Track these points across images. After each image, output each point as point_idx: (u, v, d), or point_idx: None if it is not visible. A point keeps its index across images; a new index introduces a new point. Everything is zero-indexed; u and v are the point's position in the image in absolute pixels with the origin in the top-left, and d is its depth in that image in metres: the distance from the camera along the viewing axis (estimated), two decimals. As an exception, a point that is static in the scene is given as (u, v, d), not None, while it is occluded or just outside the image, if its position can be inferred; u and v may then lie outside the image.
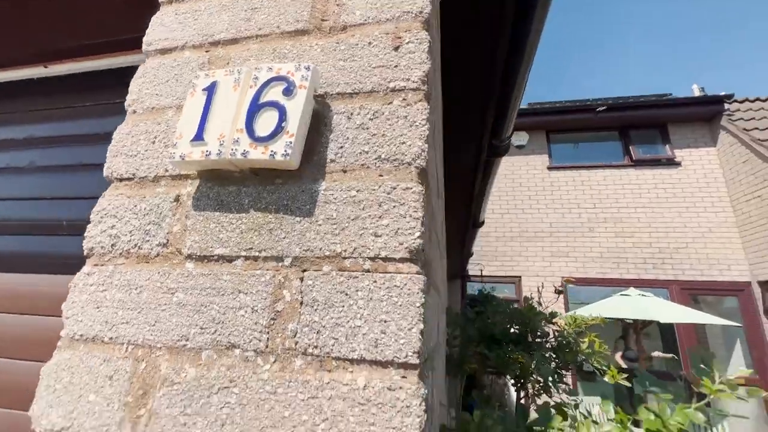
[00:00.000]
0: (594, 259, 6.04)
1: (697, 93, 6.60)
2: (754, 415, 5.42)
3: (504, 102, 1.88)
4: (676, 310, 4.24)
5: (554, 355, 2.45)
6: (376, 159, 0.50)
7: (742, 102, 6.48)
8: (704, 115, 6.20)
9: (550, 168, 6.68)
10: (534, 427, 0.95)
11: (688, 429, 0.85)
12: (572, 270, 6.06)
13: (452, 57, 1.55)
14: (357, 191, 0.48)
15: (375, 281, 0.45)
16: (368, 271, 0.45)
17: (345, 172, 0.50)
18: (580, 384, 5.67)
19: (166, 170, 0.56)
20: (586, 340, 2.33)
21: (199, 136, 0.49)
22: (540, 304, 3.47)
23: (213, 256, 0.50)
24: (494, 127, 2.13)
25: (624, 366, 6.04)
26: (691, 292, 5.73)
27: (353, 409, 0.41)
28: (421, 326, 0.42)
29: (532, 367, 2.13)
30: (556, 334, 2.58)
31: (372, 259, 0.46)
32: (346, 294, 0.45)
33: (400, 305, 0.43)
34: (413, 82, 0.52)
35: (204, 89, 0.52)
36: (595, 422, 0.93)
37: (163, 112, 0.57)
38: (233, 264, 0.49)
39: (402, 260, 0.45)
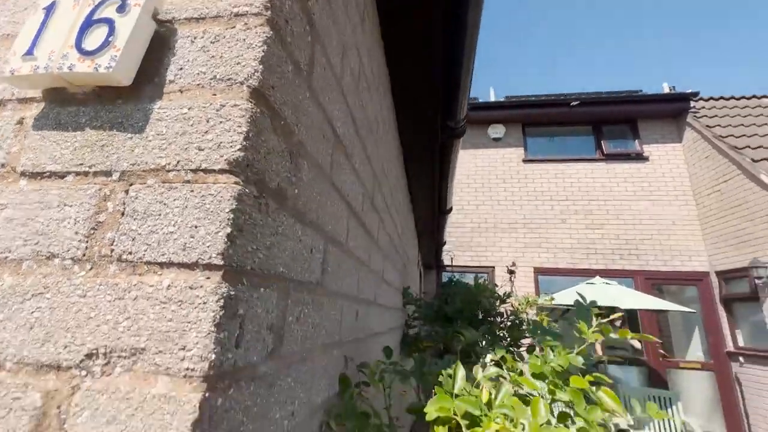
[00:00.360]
0: (565, 249, 6.19)
1: (666, 90, 6.80)
2: (704, 393, 5.68)
3: (452, 81, 1.91)
4: (638, 297, 4.39)
5: (506, 334, 2.52)
6: (211, 79, 0.50)
7: (707, 100, 6.70)
8: (671, 111, 6.40)
9: (525, 161, 6.79)
10: (424, 369, 0.98)
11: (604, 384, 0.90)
12: (543, 260, 6.20)
13: (392, 34, 1.57)
14: (188, 108, 0.49)
15: (192, 191, 0.46)
16: (188, 182, 0.46)
17: (182, 92, 0.50)
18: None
19: (13, 94, 0.56)
20: (539, 318, 2.41)
21: (30, 52, 0.50)
22: (511, 295, 3.63)
23: (45, 172, 0.50)
24: (446, 107, 2.16)
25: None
26: (654, 282, 5.94)
27: (155, 307, 0.42)
28: (228, 230, 0.44)
29: (481, 344, 2.19)
30: (509, 313, 2.65)
31: (194, 171, 0.47)
32: (164, 204, 0.46)
33: (211, 211, 0.44)
34: (256, 7, 0.53)
35: (44, 8, 0.52)
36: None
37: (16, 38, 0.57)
38: (64, 180, 0.49)
39: (221, 171, 0.46)
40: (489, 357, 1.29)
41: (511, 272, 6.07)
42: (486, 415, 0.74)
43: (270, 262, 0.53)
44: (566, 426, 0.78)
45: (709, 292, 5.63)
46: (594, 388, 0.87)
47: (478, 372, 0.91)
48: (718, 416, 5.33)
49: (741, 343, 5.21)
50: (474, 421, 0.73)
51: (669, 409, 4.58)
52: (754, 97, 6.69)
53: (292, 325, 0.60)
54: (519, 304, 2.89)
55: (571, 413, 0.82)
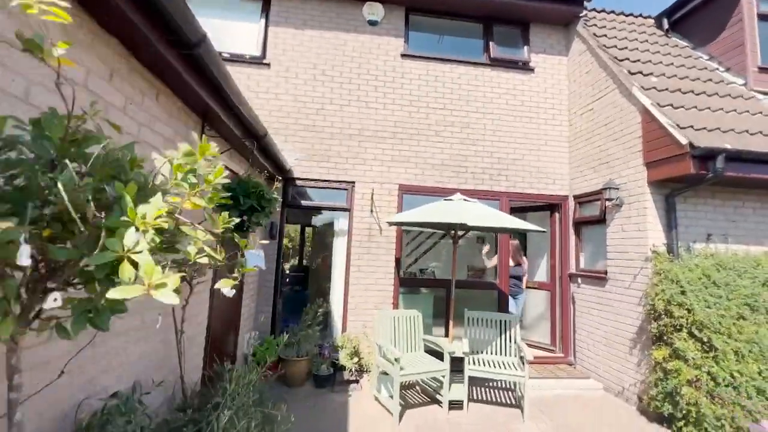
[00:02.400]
0: (435, 166, 5.38)
1: (563, -4, 6.00)
2: (543, 312, 5.88)
3: None
4: (491, 216, 3.76)
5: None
6: None
7: (599, 12, 6.11)
8: (564, 14, 5.65)
9: (404, 56, 5.50)
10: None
11: None
12: (410, 177, 5.31)
13: None
14: None
15: None
16: None
17: None
18: (402, 297, 5.28)
19: None
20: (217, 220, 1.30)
21: None
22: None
23: None
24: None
25: (490, 265, 5.93)
26: (517, 205, 5.61)
27: None
28: None
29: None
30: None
31: None
32: None
33: None
34: None
35: None
36: None
37: None
38: None
39: None
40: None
41: (372, 194, 5.10)
42: None
43: None
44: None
45: (566, 216, 5.51)
46: None
47: None
48: (547, 331, 5.53)
49: (582, 265, 5.26)
50: None
51: (507, 332, 4.35)
52: (648, 16, 6.36)
53: None
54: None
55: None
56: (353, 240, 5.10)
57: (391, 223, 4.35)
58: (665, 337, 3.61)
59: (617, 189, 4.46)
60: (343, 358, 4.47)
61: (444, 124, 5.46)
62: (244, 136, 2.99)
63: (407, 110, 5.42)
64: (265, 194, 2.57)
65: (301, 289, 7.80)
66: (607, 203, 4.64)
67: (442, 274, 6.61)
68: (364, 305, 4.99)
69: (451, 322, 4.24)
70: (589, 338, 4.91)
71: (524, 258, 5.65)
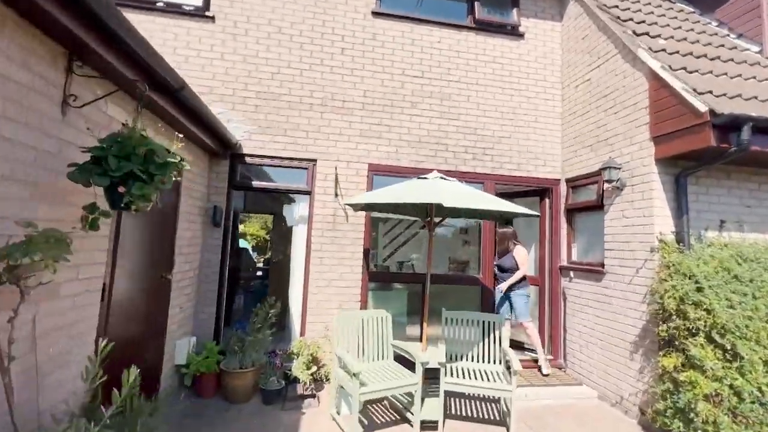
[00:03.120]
0: (411, 143, 4.66)
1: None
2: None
3: None
4: (473, 196, 3.09)
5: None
6: None
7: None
8: (559, -28, 4.97)
9: (375, 14, 4.72)
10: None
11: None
12: (383, 156, 4.59)
13: None
14: None
15: None
16: None
17: None
18: (372, 295, 4.59)
19: None
20: None
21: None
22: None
23: None
24: None
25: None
26: (505, 188, 4.97)
27: None
28: None
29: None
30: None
31: None
32: None
33: None
34: None
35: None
36: None
37: None
38: None
39: None
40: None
41: (336, 177, 4.35)
42: None
43: None
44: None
45: (557, 202, 4.91)
46: None
47: None
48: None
49: (574, 257, 4.68)
50: None
51: (492, 335, 3.72)
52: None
53: None
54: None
55: None
56: (314, 228, 4.35)
57: (352, 206, 3.62)
58: (677, 342, 3.04)
59: (619, 169, 3.85)
60: (297, 368, 3.75)
61: (421, 95, 4.73)
62: (136, 74, 2.17)
63: (379, 78, 4.66)
64: (157, 157, 1.80)
65: (267, 286, 7.03)
66: (606, 186, 4.04)
67: (424, 268, 5.94)
68: (326, 304, 4.27)
69: (425, 325, 3.57)
70: (582, 339, 4.34)
71: (518, 246, 4.50)
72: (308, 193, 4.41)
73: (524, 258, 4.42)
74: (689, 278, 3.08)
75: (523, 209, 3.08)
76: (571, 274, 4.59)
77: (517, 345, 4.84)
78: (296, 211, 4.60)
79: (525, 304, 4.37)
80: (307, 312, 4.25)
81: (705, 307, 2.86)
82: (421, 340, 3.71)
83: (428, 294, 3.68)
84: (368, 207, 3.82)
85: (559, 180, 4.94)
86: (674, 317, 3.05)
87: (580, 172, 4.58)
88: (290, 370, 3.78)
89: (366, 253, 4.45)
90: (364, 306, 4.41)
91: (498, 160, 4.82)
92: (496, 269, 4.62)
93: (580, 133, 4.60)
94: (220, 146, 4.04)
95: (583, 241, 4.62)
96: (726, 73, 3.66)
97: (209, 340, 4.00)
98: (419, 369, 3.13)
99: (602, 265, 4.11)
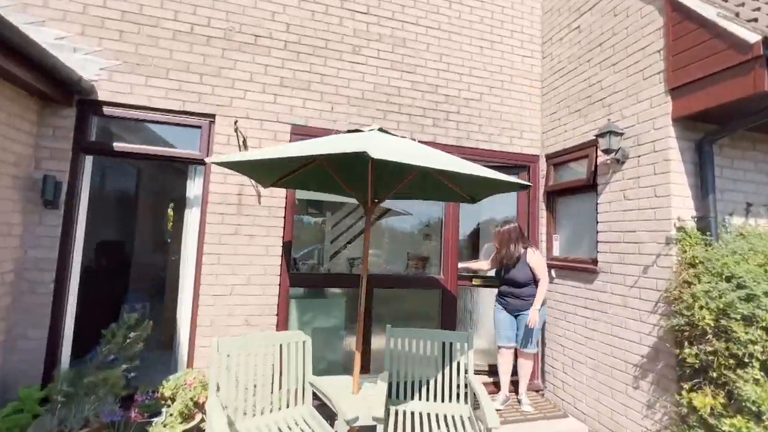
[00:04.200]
0: (352, 100, 3.48)
1: None
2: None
3: None
4: (420, 152, 1.98)
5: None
6: None
7: None
8: None
9: (306, -77, 3.47)
10: None
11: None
12: (312, 115, 3.36)
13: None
14: None
15: None
16: None
17: None
18: (295, 304, 3.38)
19: None
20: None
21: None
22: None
23: None
24: None
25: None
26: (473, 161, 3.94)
27: None
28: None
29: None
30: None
31: None
32: None
33: None
34: None
35: None
36: None
37: None
38: None
39: None
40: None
41: (236, 130, 3.06)
42: None
43: None
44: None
45: (535, 183, 3.95)
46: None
47: None
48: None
49: (556, 252, 3.75)
50: None
51: (455, 359, 2.66)
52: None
53: None
54: None
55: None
56: (209, 212, 3.06)
57: (226, 165, 2.33)
58: (714, 373, 2.12)
59: (621, 135, 2.92)
60: (165, 423, 2.46)
61: (367, 37, 3.56)
62: None
63: (308, 8, 3.42)
64: None
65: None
66: (602, 159, 3.12)
67: (379, 266, 4.81)
68: (226, 320, 3.00)
69: (358, 355, 2.40)
70: (567, 356, 3.42)
71: (530, 248, 3.29)
72: (202, 162, 3.10)
73: (544, 264, 3.29)
74: (727, 280, 2.19)
75: (506, 176, 2.00)
76: (553, 273, 3.65)
77: (490, 371, 3.85)
78: (189, 190, 3.27)
79: (539, 330, 3.32)
80: (197, 332, 2.96)
81: (764, 324, 1.95)
82: (359, 372, 2.55)
83: (364, 307, 2.54)
84: (266, 174, 2.58)
85: (538, 156, 3.99)
86: (710, 337, 2.13)
87: (564, 144, 3.64)
88: (154, 424, 2.48)
89: (287, 247, 3.23)
90: (283, 320, 3.19)
91: (465, 128, 3.77)
92: (503, 287, 3.33)
93: (566, 96, 3.66)
94: (53, 87, 2.62)
95: (567, 232, 3.70)
96: None
97: (36, 380, 2.60)
98: (342, 429, 1.96)
99: (594, 261, 3.19)
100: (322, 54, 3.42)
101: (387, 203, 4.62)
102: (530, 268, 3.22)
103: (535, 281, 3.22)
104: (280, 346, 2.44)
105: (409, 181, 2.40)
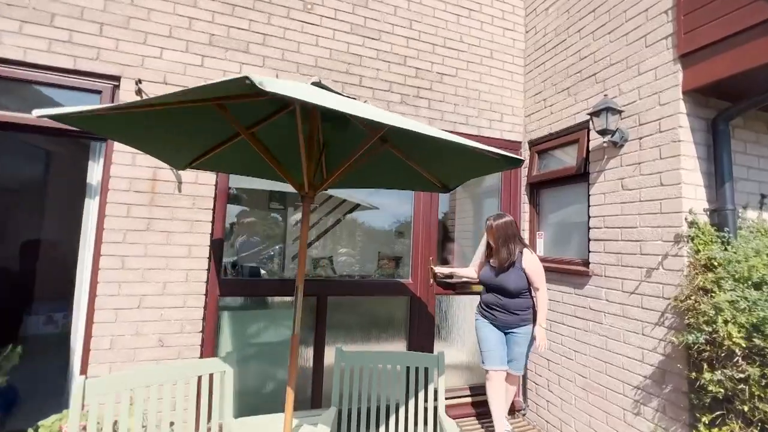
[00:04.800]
0: (301, 67, 2.86)
1: None
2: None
3: None
4: (367, 108, 1.41)
5: None
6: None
7: None
8: None
9: None
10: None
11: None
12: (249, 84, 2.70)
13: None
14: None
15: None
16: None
17: None
18: (228, 318, 2.75)
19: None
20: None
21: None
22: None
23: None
24: None
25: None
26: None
27: None
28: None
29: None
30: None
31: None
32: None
33: None
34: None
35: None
36: None
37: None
38: None
39: None
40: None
41: (139, 92, 2.38)
42: None
43: None
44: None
45: (516, 173, 3.48)
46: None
47: None
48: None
49: (541, 251, 3.29)
50: None
51: (422, 390, 2.11)
52: None
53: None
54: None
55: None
56: (111, 202, 2.37)
57: (59, 119, 1.68)
58: (744, 406, 1.68)
59: (619, 113, 2.46)
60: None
61: (322, -7, 2.96)
62: None
63: (248, -48, 2.78)
64: None
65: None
66: (596, 143, 2.66)
67: (347, 267, 4.21)
68: (134, 340, 2.33)
69: (289, 393, 1.78)
70: (552, 372, 2.96)
71: (527, 249, 2.66)
72: (102, 138, 2.40)
73: (542, 270, 2.63)
74: (756, 287, 1.75)
75: (491, 148, 1.46)
76: (536, 275, 3.18)
77: (472, 393, 3.34)
78: (90, 174, 2.56)
79: (531, 348, 2.67)
80: (91, 357, 2.26)
81: (815, 346, 1.52)
82: (301, 408, 1.95)
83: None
84: (171, 151, 1.92)
85: (520, 143, 3.52)
86: (740, 360, 1.69)
87: (551, 129, 3.18)
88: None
89: (217, 246, 2.59)
90: (210, 339, 2.54)
91: (438, 107, 3.24)
92: (489, 296, 2.68)
93: (553, 73, 3.20)
94: None
95: (554, 230, 3.24)
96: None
97: None
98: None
99: (585, 263, 2.74)
100: (265, 9, 2.78)
101: (353, 196, 4.04)
102: (525, 273, 2.58)
103: (529, 290, 2.62)
104: (199, 378, 1.81)
105: (362, 162, 1.82)
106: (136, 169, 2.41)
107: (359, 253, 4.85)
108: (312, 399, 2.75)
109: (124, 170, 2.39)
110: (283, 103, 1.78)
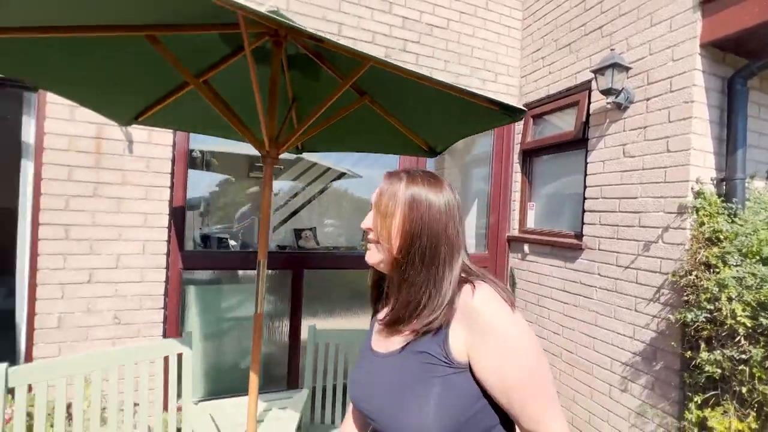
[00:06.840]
0: (283, 14, 2.47)
1: None
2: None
3: None
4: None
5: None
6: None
7: None
8: None
9: None
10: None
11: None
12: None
13: None
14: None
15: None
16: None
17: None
18: (195, 292, 2.53)
19: None
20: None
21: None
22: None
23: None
24: None
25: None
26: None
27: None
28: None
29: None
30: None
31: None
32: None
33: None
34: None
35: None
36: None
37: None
38: None
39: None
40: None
41: None
42: None
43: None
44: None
45: (509, 139, 3.25)
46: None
47: None
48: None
49: (531, 224, 3.13)
50: None
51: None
52: None
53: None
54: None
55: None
56: (48, 164, 2.06)
57: None
58: (742, 388, 1.58)
59: (627, 70, 2.22)
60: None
61: None
62: None
63: None
64: None
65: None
66: (598, 105, 2.43)
67: (333, 239, 4.00)
68: (84, 317, 2.10)
69: (254, 376, 1.61)
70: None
71: (481, 289, 0.69)
72: (32, 88, 2.04)
73: (538, 357, 0.56)
74: (765, 263, 1.61)
75: (488, 96, 1.21)
76: (526, 248, 3.04)
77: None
78: (24, 131, 2.21)
79: None
80: (35, 336, 2.04)
81: (830, 328, 1.39)
82: (272, 387, 1.79)
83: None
84: (101, 95, 1.62)
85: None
86: (742, 340, 1.57)
87: (548, 90, 2.91)
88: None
89: (179, 215, 2.32)
90: (174, 315, 2.33)
91: (427, 63, 2.92)
92: None
93: (554, 27, 2.89)
94: None
95: (546, 200, 3.06)
96: None
97: None
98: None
99: (578, 236, 2.58)
100: (226, -63, 2.36)
101: (338, 166, 3.77)
102: (476, 377, 0.63)
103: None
104: (165, 358, 1.61)
105: (336, 118, 1.56)
106: (76, 125, 2.08)
107: (345, 224, 4.64)
108: (288, 376, 2.61)
109: (61, 126, 2.06)
110: (237, 45, 1.47)
